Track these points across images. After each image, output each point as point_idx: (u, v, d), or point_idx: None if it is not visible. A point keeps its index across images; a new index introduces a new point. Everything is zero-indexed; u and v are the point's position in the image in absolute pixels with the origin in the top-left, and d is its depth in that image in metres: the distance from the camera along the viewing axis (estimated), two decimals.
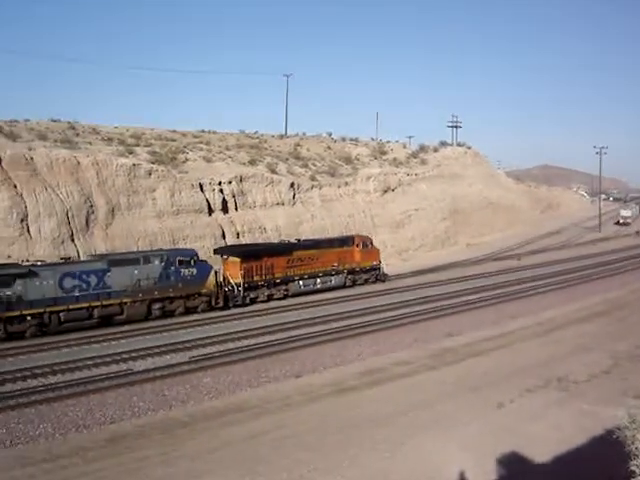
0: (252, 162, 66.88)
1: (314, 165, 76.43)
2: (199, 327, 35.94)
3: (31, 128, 60.15)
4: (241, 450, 18.93)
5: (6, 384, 25.27)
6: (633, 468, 9.64)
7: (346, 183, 74.00)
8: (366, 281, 52.19)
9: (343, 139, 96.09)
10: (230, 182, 58.78)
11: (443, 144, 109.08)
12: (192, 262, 39.71)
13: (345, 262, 50.31)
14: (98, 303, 35.29)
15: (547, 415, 21.64)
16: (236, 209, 58.57)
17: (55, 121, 66.30)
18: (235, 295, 41.91)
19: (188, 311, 39.35)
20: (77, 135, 61.52)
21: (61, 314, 34.04)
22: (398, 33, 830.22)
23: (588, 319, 38.20)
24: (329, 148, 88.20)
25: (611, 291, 47.72)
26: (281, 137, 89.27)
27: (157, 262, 38.17)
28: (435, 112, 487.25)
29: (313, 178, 70.81)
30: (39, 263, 35.62)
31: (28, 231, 43.49)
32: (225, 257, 43.89)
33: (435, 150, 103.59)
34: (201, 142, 71.63)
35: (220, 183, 57.83)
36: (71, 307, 34.32)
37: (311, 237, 55.52)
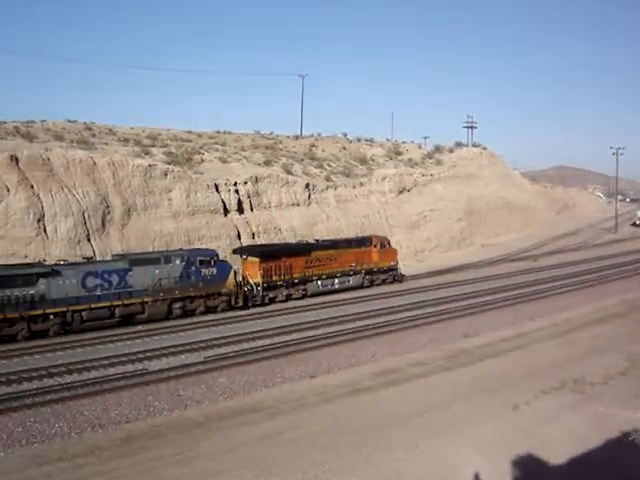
0: (267, 163, 66.96)
1: (329, 166, 76.40)
2: (214, 327, 36.05)
3: (47, 129, 60.63)
4: (256, 450, 18.95)
5: (23, 383, 25.47)
6: None
7: (361, 184, 73.89)
8: (384, 281, 52.25)
9: (358, 140, 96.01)
10: (245, 183, 58.83)
11: (459, 145, 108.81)
12: (212, 262, 40.00)
13: (363, 262, 50.41)
14: (120, 302, 35.62)
15: (562, 417, 21.51)
16: (251, 210, 58.61)
17: (71, 122, 66.85)
18: (254, 295, 42.14)
19: (208, 310, 39.66)
20: (93, 136, 61.95)
21: (83, 313, 34.40)
22: (414, 33, 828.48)
23: (604, 320, 37.96)
24: (344, 149, 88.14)
25: (628, 292, 47.38)
26: (296, 138, 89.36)
27: (178, 262, 38.43)
28: (451, 113, 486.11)
29: (328, 179, 70.78)
30: (62, 262, 35.98)
31: (45, 231, 43.72)
32: (244, 257, 44.14)
33: (450, 151, 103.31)
34: (217, 143, 71.84)
35: (235, 184, 57.87)
36: (93, 306, 34.66)
37: (326, 238, 55.51)
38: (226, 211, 55.89)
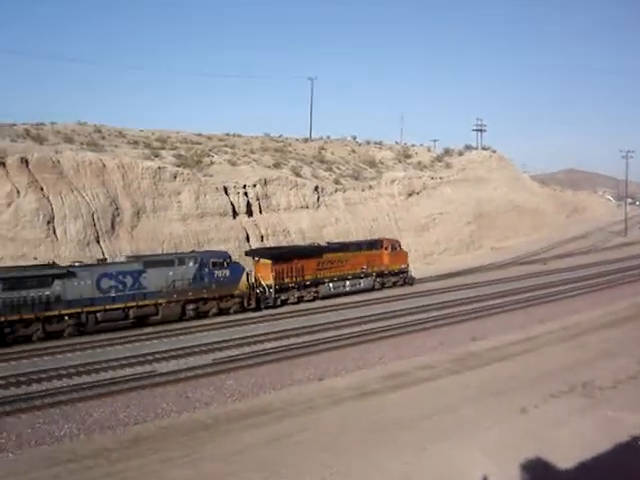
0: (276, 165, 67.02)
1: (338, 168, 76.45)
2: (223, 330, 36.10)
3: (57, 131, 60.90)
4: (264, 452, 18.96)
5: (32, 384, 25.56)
6: None
7: (370, 186, 73.90)
8: (394, 284, 52.37)
9: (367, 142, 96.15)
10: (255, 185, 58.93)
11: (468, 148, 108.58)
12: (225, 264, 40.17)
13: (374, 265, 50.54)
14: (134, 304, 35.82)
15: (571, 421, 21.44)
16: (260, 212, 58.70)
17: (81, 124, 67.05)
18: (267, 297, 42.31)
19: (221, 312, 39.85)
20: (103, 138, 62.20)
21: (98, 314, 34.63)
22: (424, 35, 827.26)
23: (614, 324, 37.83)
24: (353, 151, 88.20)
25: (638, 296, 47.16)
26: (305, 140, 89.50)
27: (191, 264, 38.60)
28: (460, 116, 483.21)
29: (337, 181, 70.84)
30: (77, 264, 36.18)
31: (54, 233, 43.92)
32: (257, 259, 44.28)
33: (460, 154, 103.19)
34: (226, 145, 72.03)
35: (245, 186, 57.99)
36: (108, 307, 34.88)
37: (335, 240, 55.60)
38: (235, 214, 55.98)
